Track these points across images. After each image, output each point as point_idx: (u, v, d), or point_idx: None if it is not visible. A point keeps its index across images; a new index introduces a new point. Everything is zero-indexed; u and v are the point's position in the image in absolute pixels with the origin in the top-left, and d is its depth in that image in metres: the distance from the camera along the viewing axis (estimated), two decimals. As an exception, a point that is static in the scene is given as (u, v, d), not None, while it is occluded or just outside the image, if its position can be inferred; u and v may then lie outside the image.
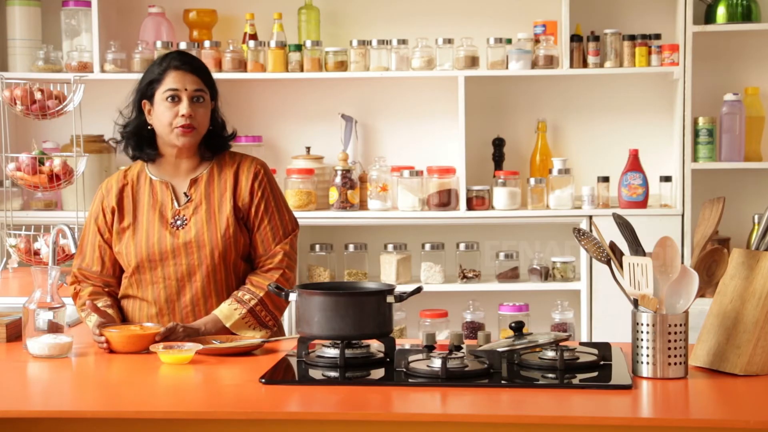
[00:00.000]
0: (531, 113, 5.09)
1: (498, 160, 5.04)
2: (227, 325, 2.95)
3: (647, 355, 2.45)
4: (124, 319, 3.07)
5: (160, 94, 3.00)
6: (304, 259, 4.92)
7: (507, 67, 4.88)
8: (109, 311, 2.99)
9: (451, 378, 2.44)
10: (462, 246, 4.93)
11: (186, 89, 2.99)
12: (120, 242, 3.04)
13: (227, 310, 2.96)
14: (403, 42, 4.89)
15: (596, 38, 4.87)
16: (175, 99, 2.99)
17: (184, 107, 2.98)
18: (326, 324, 2.61)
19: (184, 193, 3.06)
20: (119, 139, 3.12)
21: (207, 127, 3.05)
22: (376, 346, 2.70)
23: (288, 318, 4.56)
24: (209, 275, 3.00)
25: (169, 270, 3.00)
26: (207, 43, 4.94)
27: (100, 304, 3.00)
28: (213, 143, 3.09)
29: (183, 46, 4.92)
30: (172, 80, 2.99)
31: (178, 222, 3.03)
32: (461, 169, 4.88)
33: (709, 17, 4.85)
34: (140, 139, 3.06)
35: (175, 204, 3.05)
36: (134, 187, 3.08)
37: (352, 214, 4.88)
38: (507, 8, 5.07)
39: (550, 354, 2.55)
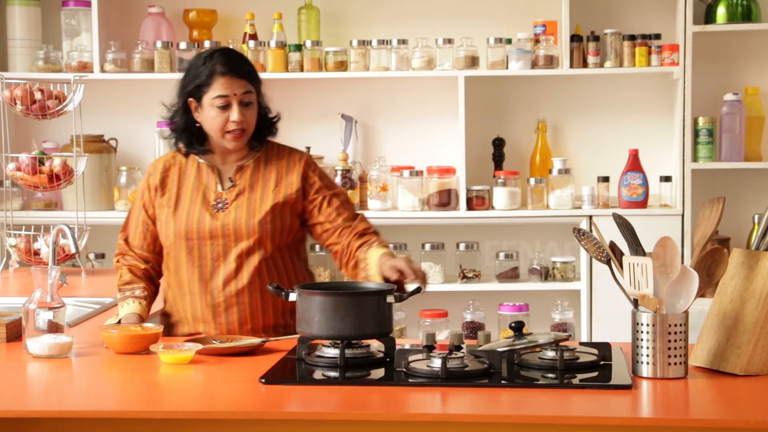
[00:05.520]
0: (531, 113, 5.09)
1: (498, 160, 5.05)
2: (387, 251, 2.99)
3: (647, 355, 2.45)
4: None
5: (209, 99, 3.02)
6: (304, 259, 4.92)
7: (507, 67, 4.89)
8: (139, 307, 3.04)
9: (451, 378, 2.44)
10: (462, 246, 4.94)
11: (235, 94, 3.01)
12: (160, 218, 3.10)
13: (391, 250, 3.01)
14: (403, 42, 4.89)
15: (596, 38, 4.87)
16: (225, 106, 3.01)
17: (235, 113, 3.01)
18: (326, 324, 2.61)
19: (229, 178, 3.11)
20: (168, 135, 3.16)
21: (254, 125, 3.08)
22: (376, 346, 2.70)
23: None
24: (242, 257, 3.03)
25: (206, 250, 3.05)
26: (207, 43, 4.94)
27: (137, 292, 3.07)
28: (260, 132, 3.13)
29: (183, 46, 4.92)
30: (220, 86, 3.01)
31: (219, 205, 3.07)
32: (461, 169, 4.88)
33: (709, 17, 4.85)
34: (191, 136, 3.11)
35: (219, 187, 3.09)
36: (181, 168, 3.14)
37: (352, 214, 4.87)
38: (507, 8, 5.07)
39: (550, 354, 2.55)
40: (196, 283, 3.06)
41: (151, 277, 3.16)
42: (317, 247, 4.93)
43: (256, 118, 3.08)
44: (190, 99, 3.06)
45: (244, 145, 3.10)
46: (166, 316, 3.17)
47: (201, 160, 3.13)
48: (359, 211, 3.23)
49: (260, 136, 3.13)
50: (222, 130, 3.03)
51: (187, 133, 3.10)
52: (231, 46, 4.89)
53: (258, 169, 3.11)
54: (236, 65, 3.04)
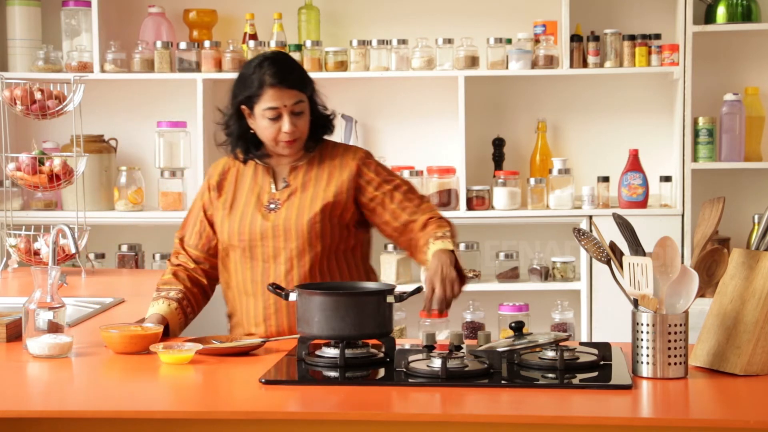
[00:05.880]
0: (531, 113, 5.09)
1: (498, 160, 5.05)
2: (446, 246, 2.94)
3: (647, 355, 2.45)
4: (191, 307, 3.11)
5: (260, 110, 3.02)
6: (304, 259, 4.92)
7: (507, 67, 4.89)
8: (167, 308, 3.01)
9: (451, 378, 2.44)
10: (462, 246, 4.93)
11: (285, 105, 3.01)
12: (216, 221, 3.12)
13: (442, 244, 2.95)
14: (403, 42, 4.89)
15: (596, 38, 4.87)
16: (276, 117, 3.01)
17: (286, 124, 3.01)
18: (326, 324, 2.61)
19: (283, 179, 3.11)
20: (222, 142, 3.15)
21: (307, 132, 3.08)
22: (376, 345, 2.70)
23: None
24: (291, 259, 3.03)
25: (257, 251, 3.05)
26: (207, 43, 4.94)
27: (171, 294, 3.06)
28: (314, 132, 3.13)
29: (183, 46, 4.92)
30: (270, 98, 3.00)
31: (272, 206, 3.07)
32: (461, 169, 4.88)
33: (709, 17, 4.85)
34: (247, 143, 3.11)
35: (273, 188, 3.10)
36: (239, 170, 3.15)
37: (352, 214, 4.87)
38: (507, 8, 5.07)
39: (550, 354, 2.55)
40: (249, 285, 3.06)
41: (197, 279, 3.14)
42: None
43: (308, 123, 3.07)
44: (243, 106, 3.06)
45: (300, 148, 3.10)
46: (229, 317, 3.19)
47: (258, 162, 3.14)
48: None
49: (315, 136, 3.12)
50: (274, 140, 3.04)
51: (243, 140, 3.10)
52: (231, 47, 4.92)
53: (311, 169, 3.10)
54: (285, 75, 3.01)
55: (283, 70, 3.02)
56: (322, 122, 3.14)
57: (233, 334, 3.10)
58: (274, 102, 3.00)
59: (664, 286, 2.47)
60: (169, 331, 3.00)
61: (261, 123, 3.03)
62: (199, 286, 3.14)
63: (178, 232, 3.20)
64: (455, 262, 2.91)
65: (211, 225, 3.14)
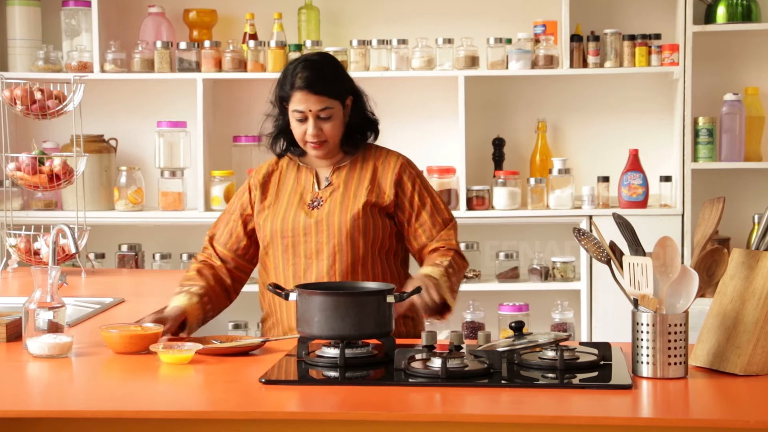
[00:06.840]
0: (531, 113, 5.09)
1: (498, 160, 5.05)
2: (437, 276, 2.97)
3: (647, 355, 2.45)
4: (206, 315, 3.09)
5: (290, 111, 3.07)
6: (304, 259, 4.92)
7: (507, 67, 4.89)
8: (187, 302, 2.99)
9: (451, 378, 2.44)
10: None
11: (311, 110, 3.03)
12: (258, 221, 3.14)
13: (431, 270, 2.99)
14: (403, 42, 4.89)
15: (596, 38, 4.87)
16: (302, 119, 3.05)
17: (310, 127, 3.05)
18: (326, 324, 2.61)
19: (326, 178, 3.14)
20: (267, 133, 3.19)
21: (339, 136, 3.10)
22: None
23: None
24: (334, 254, 3.04)
25: (299, 248, 3.07)
26: (207, 43, 4.94)
27: (193, 289, 3.05)
28: (351, 137, 3.14)
29: (183, 46, 4.92)
30: (297, 101, 3.04)
31: (315, 203, 3.10)
32: (461, 169, 4.88)
33: (709, 17, 4.85)
34: (287, 137, 3.15)
35: (315, 187, 3.13)
36: (282, 173, 3.18)
37: (352, 214, 4.87)
38: (507, 8, 5.07)
39: (550, 354, 2.55)
40: (290, 282, 3.06)
41: (221, 279, 3.13)
42: None
43: (338, 129, 3.08)
44: (284, 103, 3.10)
45: (335, 151, 3.13)
46: (263, 321, 3.20)
47: (300, 163, 3.17)
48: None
49: (352, 140, 3.14)
50: (302, 141, 3.08)
51: (284, 134, 3.15)
52: (231, 47, 4.92)
53: (354, 169, 3.14)
54: (314, 81, 3.03)
55: (314, 75, 3.04)
56: (359, 129, 3.16)
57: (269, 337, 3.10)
58: (300, 105, 3.04)
59: (664, 286, 2.47)
60: (186, 325, 2.99)
61: (292, 123, 3.09)
62: (222, 286, 3.14)
63: (209, 231, 3.21)
64: (437, 287, 2.95)
65: (245, 226, 3.16)
